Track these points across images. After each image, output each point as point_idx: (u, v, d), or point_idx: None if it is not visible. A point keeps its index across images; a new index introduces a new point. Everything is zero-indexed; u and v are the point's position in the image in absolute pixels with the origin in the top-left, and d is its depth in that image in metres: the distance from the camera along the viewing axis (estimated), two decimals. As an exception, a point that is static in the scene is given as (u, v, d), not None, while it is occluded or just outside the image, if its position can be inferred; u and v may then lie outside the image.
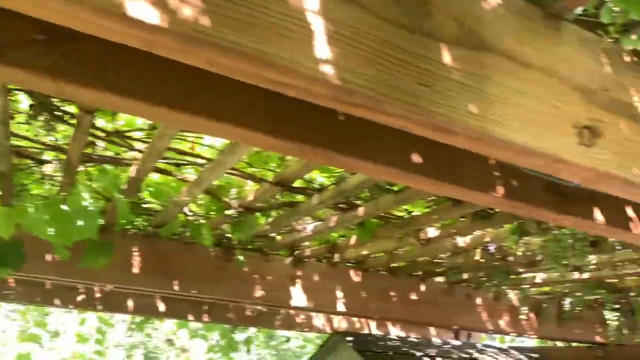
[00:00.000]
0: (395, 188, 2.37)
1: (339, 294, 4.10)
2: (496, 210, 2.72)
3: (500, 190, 1.24)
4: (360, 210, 2.73)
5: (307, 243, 3.90)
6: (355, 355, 4.75)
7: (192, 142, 2.61)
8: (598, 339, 5.22)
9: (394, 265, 4.32)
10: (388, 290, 4.33)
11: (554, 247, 2.57)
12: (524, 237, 2.87)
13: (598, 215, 1.41)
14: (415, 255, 3.73)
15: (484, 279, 4.21)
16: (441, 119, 0.92)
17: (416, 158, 1.16)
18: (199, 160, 2.55)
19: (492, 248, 3.29)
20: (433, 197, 2.68)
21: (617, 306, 4.67)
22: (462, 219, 2.83)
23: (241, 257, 3.27)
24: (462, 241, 3.24)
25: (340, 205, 2.90)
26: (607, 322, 4.44)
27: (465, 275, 4.36)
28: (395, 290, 4.35)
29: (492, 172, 1.24)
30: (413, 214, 2.96)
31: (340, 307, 4.09)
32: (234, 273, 3.75)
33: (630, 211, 1.47)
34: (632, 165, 1.10)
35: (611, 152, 1.09)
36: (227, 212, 2.77)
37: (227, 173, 2.54)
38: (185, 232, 3.20)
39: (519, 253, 3.27)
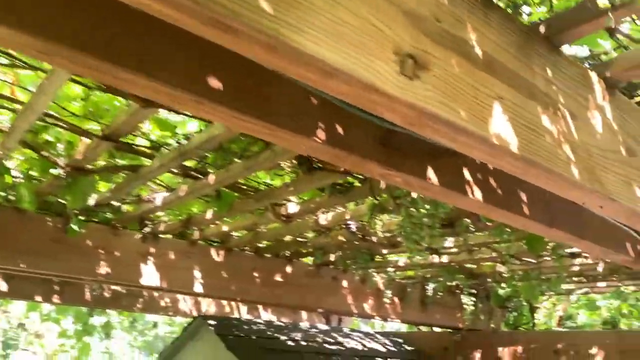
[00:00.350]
0: (240, 150, 2.15)
1: (197, 273, 3.83)
2: (354, 183, 2.60)
3: (321, 134, 1.06)
4: (211, 178, 2.48)
5: (163, 218, 3.58)
6: (217, 339, 4.50)
7: (13, 84, 2.20)
8: (457, 324, 5.40)
9: (259, 245, 4.12)
10: (252, 271, 4.12)
11: (408, 224, 2.49)
12: (381, 215, 2.78)
13: (432, 175, 1.28)
14: (280, 233, 3.55)
15: (350, 261, 4.13)
16: (220, 11, 0.70)
17: (213, 82, 0.94)
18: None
19: (353, 226, 3.18)
20: (289, 165, 2.50)
21: (474, 291, 4.84)
22: (321, 193, 2.68)
23: (75, 227, 2.88)
24: (324, 219, 3.10)
25: (191, 173, 2.64)
26: (465, 307, 4.57)
27: (331, 257, 4.27)
28: (259, 272, 4.15)
29: (311, 111, 1.05)
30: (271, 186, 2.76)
31: (198, 287, 3.81)
32: (75, 247, 3.33)
33: (467, 173, 1.35)
34: (460, 107, 0.95)
35: (436, 89, 0.93)
36: (54, 171, 2.39)
37: (53, 124, 2.18)
38: (10, 195, 2.76)
39: (380, 233, 3.19)
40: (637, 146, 1.44)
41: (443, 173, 1.30)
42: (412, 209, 2.38)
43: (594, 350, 4.43)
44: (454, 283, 4.76)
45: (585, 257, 3.55)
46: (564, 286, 4.65)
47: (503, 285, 4.69)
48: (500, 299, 4.85)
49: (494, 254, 3.50)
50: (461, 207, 1.39)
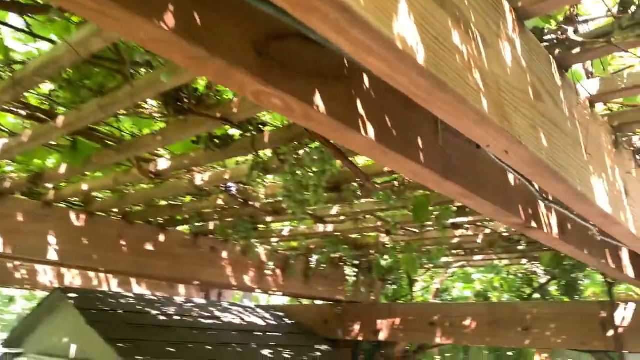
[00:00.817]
0: (95, 85, 1.77)
1: (52, 239, 3.34)
2: (234, 136, 2.31)
3: (170, 19, 0.77)
4: (60, 121, 2.07)
5: (12, 174, 3.05)
6: (77, 314, 4.02)
7: None
8: (339, 296, 5.34)
9: (128, 210, 3.70)
10: (118, 239, 3.69)
11: (292, 183, 2.26)
12: (264, 176, 2.52)
13: (319, 101, 1.03)
14: (151, 196, 3.17)
15: (231, 230, 3.84)
16: None
17: None
18: None
19: (233, 189, 2.89)
20: (156, 110, 2.15)
21: (357, 263, 4.77)
22: (196, 146, 2.36)
23: None
24: (200, 179, 2.78)
25: (36, 115, 2.19)
26: (347, 279, 4.48)
27: (210, 226, 3.96)
28: (127, 240, 3.73)
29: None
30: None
31: (53, 255, 3.33)
32: None
33: (359, 105, 1.13)
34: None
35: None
36: None
37: None
38: None
39: (263, 197, 2.94)
40: (542, 90, 1.30)
41: (332, 101, 1.06)
42: (297, 167, 2.14)
43: (467, 322, 4.55)
44: (337, 255, 4.66)
45: (466, 229, 3.57)
46: (443, 259, 4.72)
47: (385, 257, 4.67)
48: (382, 270, 4.84)
49: (379, 223, 3.39)
50: (350, 147, 1.17)
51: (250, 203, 3.11)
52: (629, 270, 2.77)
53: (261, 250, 4.64)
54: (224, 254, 4.38)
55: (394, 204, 2.61)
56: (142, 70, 1.85)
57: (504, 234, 3.52)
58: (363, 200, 3.06)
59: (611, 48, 1.36)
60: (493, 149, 1.16)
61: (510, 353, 5.41)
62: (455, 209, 2.92)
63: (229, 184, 2.90)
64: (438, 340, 4.68)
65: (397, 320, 5.01)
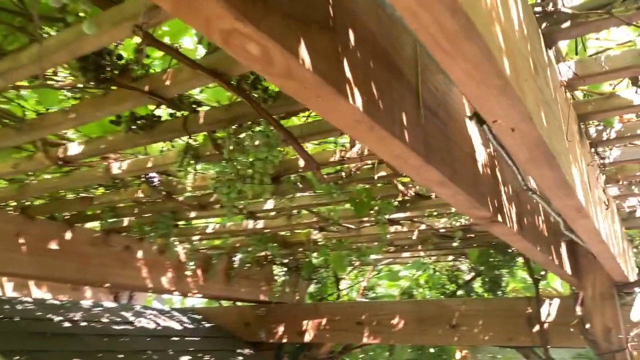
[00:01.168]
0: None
1: None
2: (163, 117, 2.01)
3: None
4: (-56, 90, 1.68)
5: None
6: (-37, 323, 3.49)
7: None
8: (263, 297, 5.09)
9: (29, 203, 3.24)
10: (16, 236, 3.22)
11: (229, 174, 2.00)
12: (195, 164, 2.23)
13: (305, 53, 0.81)
14: (56, 187, 2.76)
15: (149, 227, 3.48)
16: None
17: None
18: None
19: (156, 180, 2.57)
20: (70, 84, 1.81)
21: (284, 262, 4.54)
22: (116, 128, 2.03)
23: None
24: (117, 167, 2.44)
25: None
26: (275, 279, 4.25)
27: (125, 222, 3.57)
28: (27, 238, 3.27)
29: None
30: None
31: None
32: None
33: (346, 66, 0.91)
34: None
35: None
36: None
37: None
38: None
39: (190, 189, 2.64)
40: (538, 64, 1.15)
41: (317, 56, 0.84)
42: (238, 153, 1.88)
43: (395, 320, 4.47)
44: (263, 253, 4.40)
45: (401, 225, 3.45)
46: (371, 257, 4.61)
47: (315, 255, 4.48)
48: (311, 269, 4.64)
49: (314, 219, 3.19)
50: (331, 119, 0.95)
51: (174, 196, 2.80)
52: (567, 267, 2.76)
53: (180, 250, 4.29)
54: (139, 254, 3.99)
55: (337, 198, 2.42)
56: (54, 28, 1.52)
57: (441, 231, 3.44)
58: (299, 194, 2.84)
59: (604, 23, 1.23)
60: (501, 125, 0.98)
61: (433, 350, 5.43)
62: (396, 203, 2.78)
63: (151, 174, 2.57)
64: (365, 339, 4.56)
65: (324, 321, 4.84)
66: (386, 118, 1.04)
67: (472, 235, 3.70)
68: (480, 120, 1.02)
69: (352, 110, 0.94)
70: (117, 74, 1.60)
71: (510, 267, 4.16)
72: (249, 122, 1.88)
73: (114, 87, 1.66)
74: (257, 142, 1.88)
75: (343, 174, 2.27)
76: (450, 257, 4.84)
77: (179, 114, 1.96)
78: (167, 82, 1.62)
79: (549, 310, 3.79)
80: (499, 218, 1.69)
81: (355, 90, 0.94)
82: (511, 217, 1.83)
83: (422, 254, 4.65)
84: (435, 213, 3.01)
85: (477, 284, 5.03)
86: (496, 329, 4.02)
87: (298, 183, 2.40)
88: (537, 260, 2.42)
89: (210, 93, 1.92)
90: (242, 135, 1.89)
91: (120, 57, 1.60)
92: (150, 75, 1.68)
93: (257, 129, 1.84)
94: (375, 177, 2.35)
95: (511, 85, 0.85)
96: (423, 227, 3.41)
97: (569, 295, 3.76)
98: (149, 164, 2.36)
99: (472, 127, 1.56)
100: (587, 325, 3.12)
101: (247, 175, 1.95)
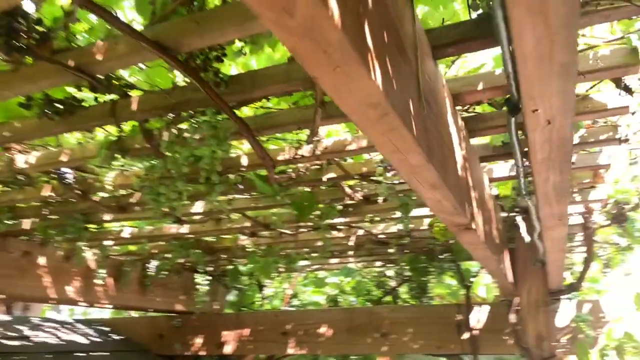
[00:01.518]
0: None
1: None
2: (84, 101, 1.70)
3: None
4: None
5: None
6: None
7: None
8: (181, 307, 4.73)
9: None
10: None
11: (161, 172, 1.72)
12: (120, 158, 1.92)
13: (334, 4, 0.59)
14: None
15: (55, 230, 3.05)
16: None
17: None
18: None
19: (70, 176, 2.22)
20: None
21: (207, 269, 4.23)
22: (25, 112, 1.68)
23: None
24: (24, 161, 2.06)
25: None
26: (195, 288, 3.92)
27: (26, 225, 3.12)
28: None
29: None
30: None
31: None
32: None
33: (368, 34, 0.71)
34: None
35: None
36: None
37: None
38: None
39: (110, 188, 2.30)
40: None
41: (345, 10, 0.62)
42: (178, 147, 1.61)
43: (323, 329, 4.29)
44: (182, 260, 4.06)
45: (339, 230, 3.28)
46: (300, 263, 4.41)
47: (239, 262, 4.21)
48: (237, 277, 4.36)
49: (247, 224, 2.93)
50: (345, 97, 0.73)
51: (90, 196, 2.45)
52: (510, 275, 2.72)
53: (89, 255, 3.85)
54: (42, 260, 3.53)
55: (280, 201, 2.19)
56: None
57: (380, 236, 3.31)
58: (224, 197, 2.57)
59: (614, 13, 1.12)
60: (536, 118, 0.82)
61: (355, 357, 5.32)
62: (340, 207, 2.60)
63: (64, 170, 2.21)
64: (291, 350, 4.35)
65: (246, 331, 4.57)
66: (400, 104, 0.85)
67: (406, 242, 3.61)
68: (514, 108, 0.87)
69: (372, 89, 0.74)
70: (35, 43, 1.29)
71: (440, 274, 4.12)
72: (192, 111, 1.62)
73: (29, 60, 1.34)
74: (197, 135, 1.62)
75: (293, 174, 2.05)
76: (379, 264, 4.75)
77: (105, 98, 1.65)
78: (99, 57, 1.33)
79: (479, 317, 3.78)
80: (473, 225, 1.56)
81: (376, 64, 0.73)
82: (479, 225, 1.71)
83: (351, 260, 4.52)
84: (377, 218, 2.87)
85: (403, 290, 4.97)
86: (426, 337, 3.96)
87: (239, 184, 2.15)
88: (489, 269, 2.34)
89: (145, 76, 1.63)
90: (183, 126, 1.63)
91: (39, 21, 1.28)
92: (76, 49, 1.38)
93: (203, 118, 1.59)
94: (324, 179, 2.16)
95: (575, 68, 0.68)
96: (360, 232, 3.26)
97: (499, 302, 3.78)
98: (64, 158, 2.01)
99: (452, 125, 1.41)
100: (519, 330, 3.11)
101: (183, 173, 1.69)
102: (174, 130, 1.61)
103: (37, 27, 1.28)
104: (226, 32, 1.22)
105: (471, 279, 3.86)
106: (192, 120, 1.60)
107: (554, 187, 1.15)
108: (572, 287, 3.01)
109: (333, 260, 4.54)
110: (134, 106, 1.61)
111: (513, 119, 0.90)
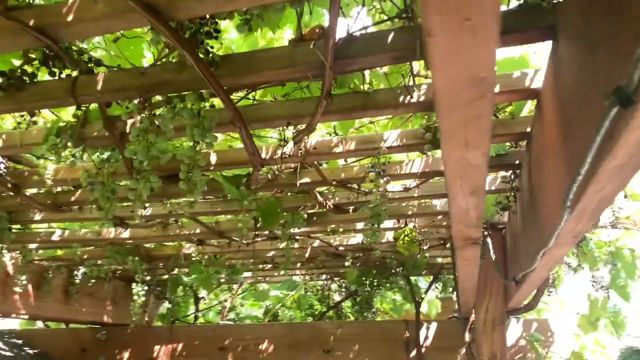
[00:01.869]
0: None
1: None
2: (35, 72, 1.42)
3: None
4: None
5: None
6: None
7: None
8: (107, 318, 4.33)
9: None
10: None
11: (116, 161, 1.48)
12: (69, 147, 1.64)
13: None
14: None
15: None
16: None
17: None
18: None
19: (2, 166, 1.90)
20: None
21: (147, 278, 3.87)
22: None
23: None
24: (-56, 145, 1.73)
25: None
26: (131, 298, 3.58)
27: None
28: None
29: None
30: None
31: None
32: None
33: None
34: None
35: None
36: None
37: None
38: None
39: (49, 181, 1.99)
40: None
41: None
42: (151, 135, 1.37)
43: (264, 345, 4.06)
44: (112, 267, 3.70)
45: (296, 240, 3.09)
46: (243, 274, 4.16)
47: (180, 271, 3.91)
48: (176, 287, 4.04)
49: (198, 230, 2.68)
50: (459, 61, 0.56)
51: (22, 191, 2.12)
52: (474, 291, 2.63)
53: (7, 260, 3.43)
54: (-50, 264, 3.08)
55: (248, 205, 1.98)
56: None
57: (339, 249, 3.15)
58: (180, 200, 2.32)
59: None
60: None
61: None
62: (305, 216, 2.41)
63: (-5, 158, 1.89)
64: (229, 367, 4.08)
65: (179, 346, 4.25)
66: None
67: (359, 255, 3.48)
68: (625, 100, 0.70)
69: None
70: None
71: (390, 289, 4.02)
72: (168, 95, 1.39)
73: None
74: (170, 125, 1.40)
75: (269, 176, 1.85)
76: (324, 277, 4.58)
77: (64, 73, 1.39)
78: (69, 18, 1.09)
79: (427, 334, 3.70)
80: (479, 240, 1.43)
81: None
82: (478, 240, 1.58)
83: (297, 272, 4.32)
84: (341, 229, 2.70)
85: (346, 305, 4.83)
86: (372, 354, 3.83)
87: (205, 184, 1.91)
88: (466, 285, 2.23)
89: (122, 46, 1.38)
90: (159, 112, 1.39)
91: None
92: (37, 6, 1.13)
93: (182, 105, 1.36)
94: (298, 184, 1.97)
95: None
96: (316, 243, 3.09)
97: (447, 320, 3.72)
98: (-3, 144, 1.70)
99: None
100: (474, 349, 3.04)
101: (154, 168, 1.46)
102: (146, 116, 1.37)
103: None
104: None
105: (422, 296, 3.78)
106: (169, 106, 1.37)
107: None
108: (528, 306, 2.98)
109: (276, 273, 4.32)
110: (99, 85, 1.36)
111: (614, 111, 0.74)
